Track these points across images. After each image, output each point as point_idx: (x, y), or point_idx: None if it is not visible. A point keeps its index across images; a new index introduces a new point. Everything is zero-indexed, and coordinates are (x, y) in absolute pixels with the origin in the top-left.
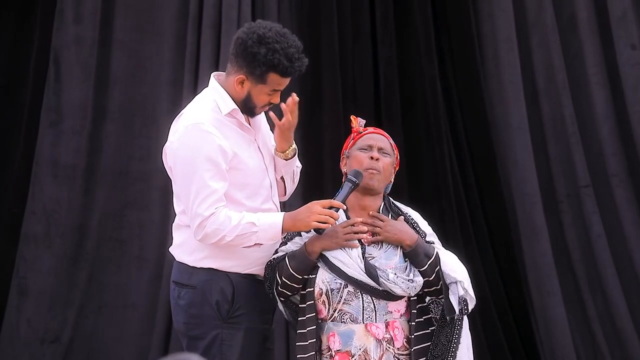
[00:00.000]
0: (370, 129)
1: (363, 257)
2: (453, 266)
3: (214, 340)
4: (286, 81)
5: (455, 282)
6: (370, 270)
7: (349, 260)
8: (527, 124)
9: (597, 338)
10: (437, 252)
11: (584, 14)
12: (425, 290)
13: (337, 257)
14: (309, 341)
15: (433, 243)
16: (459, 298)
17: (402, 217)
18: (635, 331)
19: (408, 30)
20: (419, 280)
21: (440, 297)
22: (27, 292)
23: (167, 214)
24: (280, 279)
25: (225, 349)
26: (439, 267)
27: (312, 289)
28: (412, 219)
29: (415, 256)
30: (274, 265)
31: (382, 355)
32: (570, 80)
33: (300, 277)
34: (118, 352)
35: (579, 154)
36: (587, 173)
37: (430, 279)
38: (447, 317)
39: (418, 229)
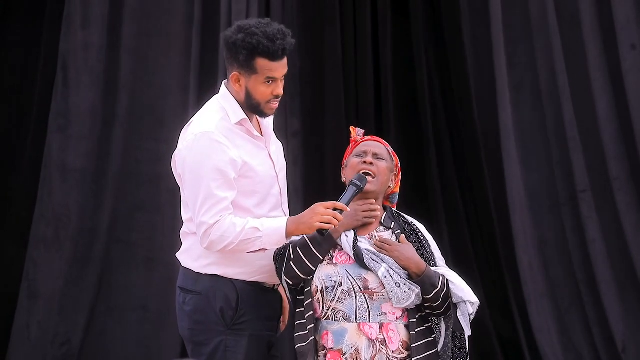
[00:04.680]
0: (367, 137)
1: (353, 246)
2: (462, 286)
3: (218, 346)
4: (277, 66)
5: (464, 302)
6: (358, 254)
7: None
8: (518, 130)
9: (594, 343)
10: (445, 281)
11: (587, 17)
12: (427, 310)
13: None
14: (309, 340)
15: (440, 267)
16: (470, 317)
17: (405, 236)
18: (631, 335)
19: (405, 35)
20: (413, 295)
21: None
22: (37, 295)
23: (176, 217)
24: (297, 255)
25: (229, 356)
26: (448, 295)
27: (310, 288)
28: (423, 237)
29: (421, 285)
30: (288, 245)
31: (375, 355)
32: (572, 83)
33: (322, 257)
34: (128, 354)
35: (577, 159)
36: (585, 177)
37: (434, 304)
38: (458, 333)
39: (428, 250)
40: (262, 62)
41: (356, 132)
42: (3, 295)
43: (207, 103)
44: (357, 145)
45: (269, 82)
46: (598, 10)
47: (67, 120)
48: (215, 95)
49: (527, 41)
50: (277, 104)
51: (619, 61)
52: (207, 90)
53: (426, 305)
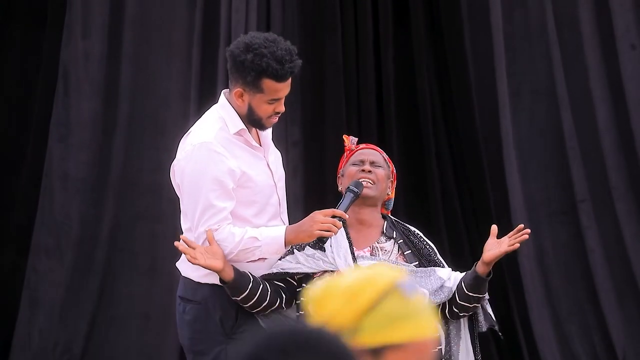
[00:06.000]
0: (362, 145)
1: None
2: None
3: (218, 355)
4: (283, 86)
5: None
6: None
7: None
8: (517, 138)
9: (595, 352)
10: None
11: (586, 25)
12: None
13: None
14: None
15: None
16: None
17: (410, 242)
18: (631, 344)
19: (406, 43)
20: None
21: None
22: (39, 304)
23: (177, 226)
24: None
25: None
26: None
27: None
28: (428, 243)
29: (483, 282)
30: None
31: None
32: (571, 92)
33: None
34: None
35: (576, 168)
36: (584, 187)
37: (470, 305)
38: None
39: (435, 255)
40: (268, 83)
41: (350, 141)
42: (4, 304)
43: (205, 113)
44: (352, 154)
45: (272, 102)
46: (597, 17)
47: (68, 129)
48: (214, 105)
49: (527, 49)
50: (277, 119)
51: (619, 69)
52: (207, 99)
53: (463, 303)
